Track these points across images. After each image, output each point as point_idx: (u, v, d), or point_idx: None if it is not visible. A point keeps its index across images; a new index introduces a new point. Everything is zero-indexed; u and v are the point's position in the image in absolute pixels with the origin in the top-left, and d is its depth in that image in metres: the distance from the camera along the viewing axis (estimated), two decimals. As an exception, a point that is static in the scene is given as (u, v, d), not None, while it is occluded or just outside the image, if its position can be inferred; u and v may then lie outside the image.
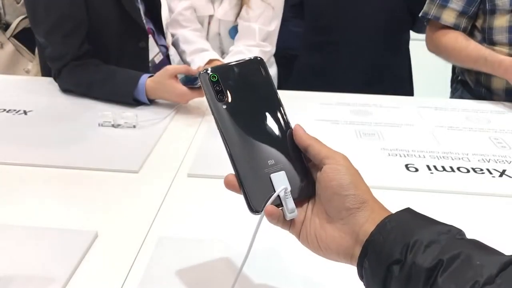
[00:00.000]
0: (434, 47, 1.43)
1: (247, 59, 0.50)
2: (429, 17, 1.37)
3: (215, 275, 0.60)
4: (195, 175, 0.87)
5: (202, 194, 0.81)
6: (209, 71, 0.48)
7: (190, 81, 1.12)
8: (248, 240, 0.47)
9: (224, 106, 0.48)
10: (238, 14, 1.45)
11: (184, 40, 1.47)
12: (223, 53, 1.55)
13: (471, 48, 1.31)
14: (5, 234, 0.67)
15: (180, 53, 1.50)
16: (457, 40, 1.33)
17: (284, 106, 0.50)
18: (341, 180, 0.45)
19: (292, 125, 0.50)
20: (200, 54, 1.41)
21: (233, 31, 1.51)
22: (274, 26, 1.50)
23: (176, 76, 1.12)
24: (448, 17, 1.34)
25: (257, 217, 0.47)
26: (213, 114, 0.48)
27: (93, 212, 0.74)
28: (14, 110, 1.15)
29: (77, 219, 0.72)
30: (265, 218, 0.47)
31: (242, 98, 0.49)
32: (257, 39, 1.45)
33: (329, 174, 0.45)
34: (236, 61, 0.50)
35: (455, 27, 1.35)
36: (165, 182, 0.84)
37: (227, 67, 0.50)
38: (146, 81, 1.15)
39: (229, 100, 0.48)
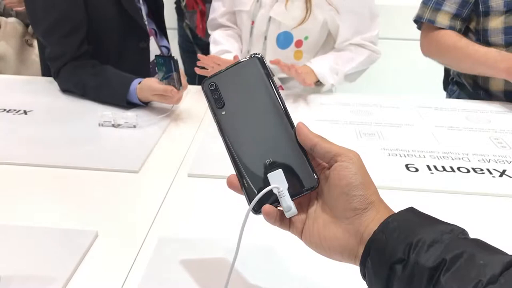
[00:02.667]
0: (431, 50, 1.42)
1: (247, 58, 0.50)
2: (423, 20, 1.36)
3: (215, 275, 0.60)
4: (195, 175, 0.87)
5: (202, 194, 0.81)
6: (208, 80, 0.50)
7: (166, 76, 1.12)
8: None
9: (223, 112, 0.49)
10: (301, 21, 1.32)
11: (213, 41, 1.45)
12: None
13: (477, 45, 1.29)
14: (5, 234, 0.67)
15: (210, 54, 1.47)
16: (460, 38, 1.32)
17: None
18: (351, 179, 0.44)
19: (294, 122, 0.49)
20: (221, 56, 1.38)
21: (283, 37, 1.36)
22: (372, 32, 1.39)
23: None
24: (443, 19, 1.33)
25: (258, 216, 0.47)
26: (214, 121, 0.49)
27: (93, 212, 0.74)
28: (14, 110, 1.15)
29: (77, 219, 0.72)
30: (262, 219, 0.47)
31: (241, 101, 0.49)
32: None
33: (340, 172, 0.45)
34: (236, 63, 0.50)
35: (450, 29, 1.34)
36: (165, 182, 0.84)
37: (225, 72, 0.50)
38: (136, 87, 1.14)
39: (229, 105, 0.49)
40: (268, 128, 0.49)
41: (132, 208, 0.76)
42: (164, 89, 1.09)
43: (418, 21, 1.40)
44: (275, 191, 0.46)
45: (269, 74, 0.50)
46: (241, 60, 0.50)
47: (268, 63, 0.51)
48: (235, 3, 1.40)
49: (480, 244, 0.40)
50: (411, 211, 0.44)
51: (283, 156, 0.48)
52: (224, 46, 1.41)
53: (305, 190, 0.47)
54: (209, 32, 1.51)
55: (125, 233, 0.69)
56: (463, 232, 0.41)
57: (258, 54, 0.50)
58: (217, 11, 1.46)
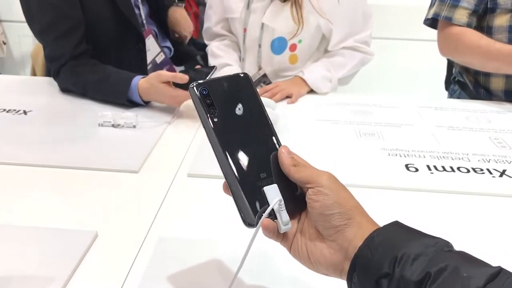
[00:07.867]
0: (450, 49, 1.37)
1: (235, 74, 0.50)
2: (441, 18, 1.33)
3: (215, 275, 0.60)
4: (195, 175, 0.87)
5: (202, 194, 0.81)
6: (199, 85, 0.48)
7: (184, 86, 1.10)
8: (248, 240, 0.47)
9: (215, 120, 0.47)
10: (294, 34, 1.32)
11: (211, 54, 1.45)
12: (259, 69, 1.42)
13: (500, 44, 1.26)
14: (5, 234, 0.67)
15: None
16: (481, 37, 1.28)
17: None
18: (324, 201, 0.45)
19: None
20: (221, 70, 1.38)
21: (277, 43, 1.36)
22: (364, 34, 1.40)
23: (169, 82, 1.10)
24: (461, 16, 1.30)
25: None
26: (204, 128, 0.48)
27: (93, 212, 0.74)
28: (14, 110, 1.15)
29: (77, 219, 0.72)
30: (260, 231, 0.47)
31: (232, 112, 0.48)
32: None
33: (313, 196, 0.45)
34: (225, 76, 0.50)
35: (467, 27, 1.30)
36: (165, 182, 0.84)
37: (216, 81, 0.49)
38: (138, 82, 1.14)
39: (220, 114, 0.48)
40: (259, 143, 0.48)
41: (132, 208, 0.76)
42: (173, 75, 1.08)
43: (435, 19, 1.36)
44: (275, 206, 0.46)
45: (256, 92, 0.50)
46: (231, 75, 0.50)
47: (253, 82, 0.51)
48: (226, 10, 1.39)
49: (464, 257, 0.40)
50: (395, 225, 0.44)
51: (276, 172, 0.48)
52: (223, 59, 1.40)
53: (296, 207, 0.48)
54: (206, 42, 1.50)
55: (125, 233, 0.69)
56: (447, 244, 0.41)
57: (242, 74, 0.50)
58: (210, 19, 1.45)
